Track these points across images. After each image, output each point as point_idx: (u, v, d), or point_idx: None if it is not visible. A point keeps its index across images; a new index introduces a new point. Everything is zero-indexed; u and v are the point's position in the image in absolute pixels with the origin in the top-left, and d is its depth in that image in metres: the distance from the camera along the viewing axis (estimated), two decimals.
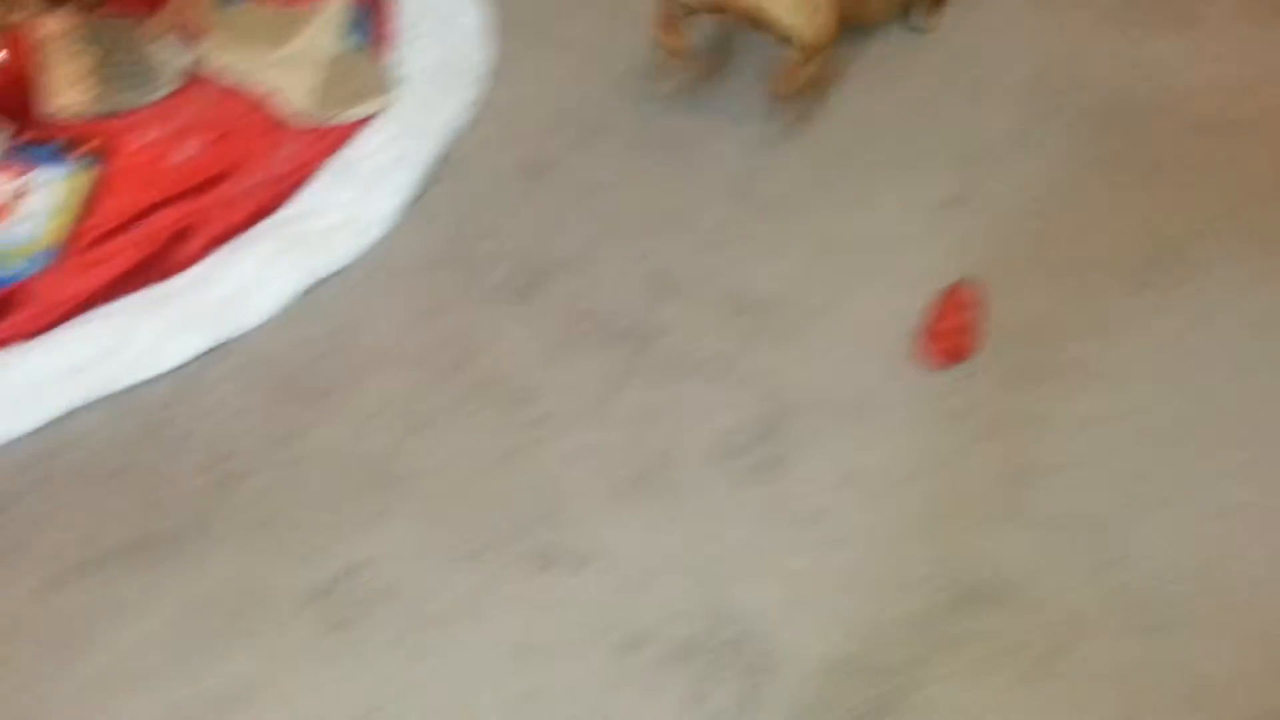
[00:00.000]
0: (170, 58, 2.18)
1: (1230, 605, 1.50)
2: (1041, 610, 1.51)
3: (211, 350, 1.84)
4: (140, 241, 1.96)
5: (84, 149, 2.05)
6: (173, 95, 2.18)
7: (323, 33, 2.21)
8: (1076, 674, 1.45)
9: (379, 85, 2.19)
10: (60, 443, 1.74)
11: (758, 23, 1.94)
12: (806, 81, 1.98)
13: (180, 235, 1.98)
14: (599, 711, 1.47)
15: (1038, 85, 2.12)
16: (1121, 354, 1.75)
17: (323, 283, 1.92)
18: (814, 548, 1.59)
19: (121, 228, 1.98)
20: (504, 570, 1.59)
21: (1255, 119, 2.03)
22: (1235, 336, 1.75)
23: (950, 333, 1.73)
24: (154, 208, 2.01)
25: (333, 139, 2.12)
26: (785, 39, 1.92)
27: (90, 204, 2.01)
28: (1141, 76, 2.11)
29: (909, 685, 1.45)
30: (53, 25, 2.18)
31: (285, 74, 2.18)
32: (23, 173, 2.01)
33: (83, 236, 1.97)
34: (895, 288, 1.83)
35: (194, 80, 2.21)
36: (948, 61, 2.17)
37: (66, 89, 2.13)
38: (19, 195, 1.99)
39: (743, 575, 1.56)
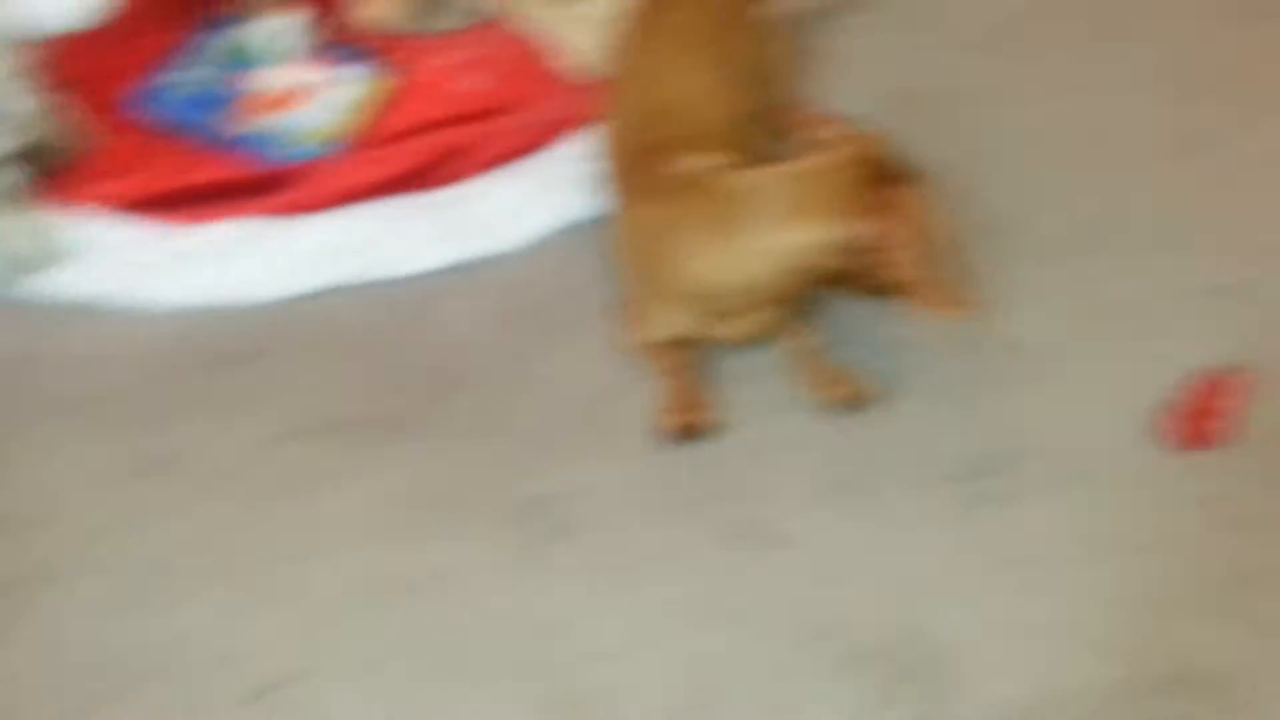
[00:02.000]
0: None
1: None
2: (1243, 715, 1.42)
3: (464, 264, 1.91)
4: (418, 150, 2.05)
5: (385, 59, 2.17)
6: (471, 29, 2.28)
7: None
8: None
9: None
10: (311, 314, 1.83)
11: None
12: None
13: (454, 152, 2.06)
14: (767, 693, 1.45)
15: None
16: None
17: (580, 228, 1.96)
18: (1017, 592, 1.54)
19: (404, 134, 2.08)
20: (705, 533, 1.59)
21: None
22: None
23: (1199, 416, 1.66)
24: (436, 124, 2.10)
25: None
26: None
27: (380, 108, 2.12)
28: None
29: None
30: None
31: (575, 29, 2.25)
32: (329, 66, 2.14)
33: (368, 134, 2.08)
34: (1152, 362, 1.76)
35: (492, 21, 2.31)
36: (1249, 152, 2.10)
37: (380, 3, 2.25)
38: (321, 86, 2.11)
39: (940, 598, 1.53)
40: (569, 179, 2.01)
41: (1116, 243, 1.95)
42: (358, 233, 1.94)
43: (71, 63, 2.08)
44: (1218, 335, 1.81)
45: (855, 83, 2.20)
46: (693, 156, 1.67)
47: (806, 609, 1.52)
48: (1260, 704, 1.43)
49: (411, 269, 1.91)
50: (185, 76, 2.10)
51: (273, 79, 2.11)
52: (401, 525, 1.59)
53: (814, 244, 1.54)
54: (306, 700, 1.44)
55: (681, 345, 1.73)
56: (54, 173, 1.93)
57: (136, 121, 2.05)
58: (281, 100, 2.09)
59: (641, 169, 1.70)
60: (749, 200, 1.58)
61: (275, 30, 2.09)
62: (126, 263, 1.89)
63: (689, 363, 1.74)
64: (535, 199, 1.99)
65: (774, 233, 1.55)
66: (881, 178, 1.54)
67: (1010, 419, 1.71)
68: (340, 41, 2.18)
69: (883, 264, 1.52)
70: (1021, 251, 1.91)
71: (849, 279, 1.57)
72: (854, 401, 1.71)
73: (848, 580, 1.55)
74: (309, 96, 2.09)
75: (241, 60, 2.12)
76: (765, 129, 1.84)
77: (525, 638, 1.49)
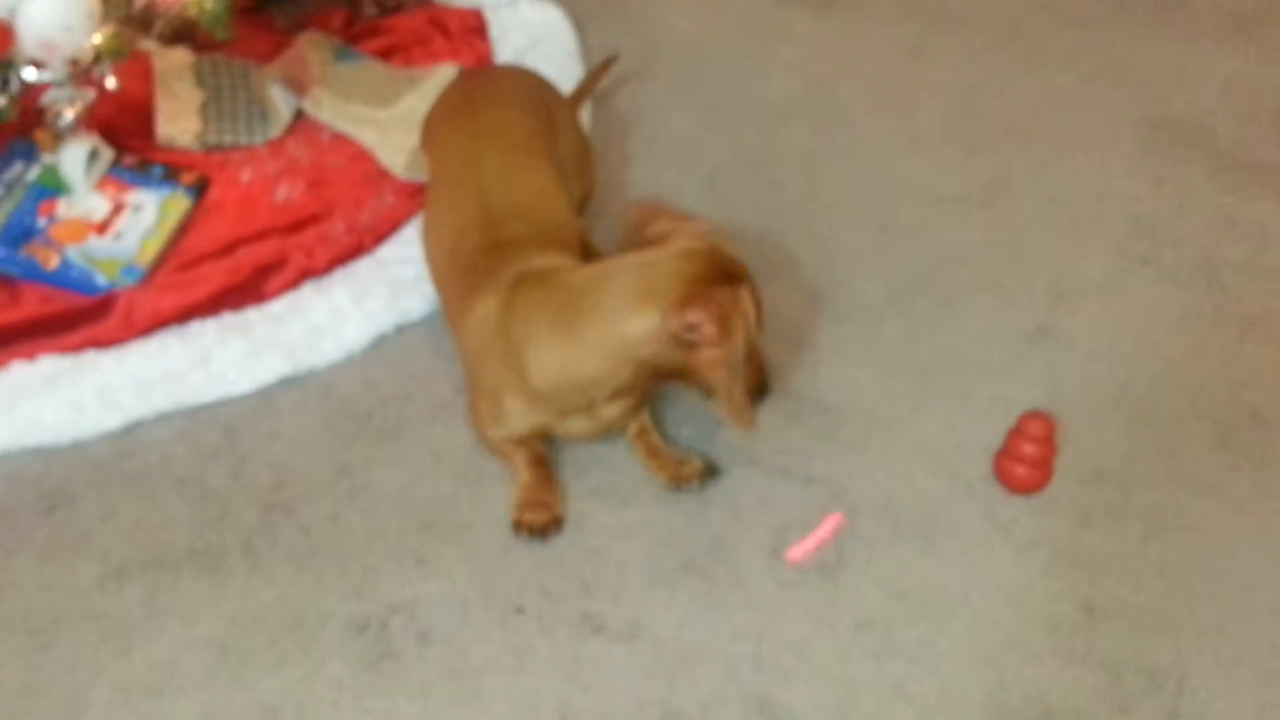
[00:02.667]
0: (280, 103, 2.25)
1: None
2: None
3: (286, 380, 1.86)
4: (229, 269, 2.00)
5: (186, 178, 2.12)
6: (279, 139, 2.25)
7: (427, 98, 2.26)
8: None
9: None
10: (130, 448, 1.75)
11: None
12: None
13: (270, 268, 2.01)
14: None
15: (1135, 234, 2.13)
16: (1198, 509, 1.71)
17: (403, 331, 1.94)
18: (864, 656, 1.54)
19: (212, 255, 2.03)
20: (548, 630, 1.56)
21: None
22: None
23: (1025, 461, 1.71)
24: (247, 239, 2.05)
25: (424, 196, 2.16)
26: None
27: (185, 229, 2.06)
28: (1239, 237, 2.12)
29: None
30: (173, 58, 2.27)
31: (385, 133, 2.24)
32: (126, 191, 2.07)
33: (174, 258, 2.02)
34: (974, 410, 1.81)
35: (300, 126, 2.28)
36: (1045, 196, 2.20)
37: (177, 120, 2.20)
38: (119, 211, 2.05)
39: (786, 672, 1.52)
40: (389, 283, 1.99)
41: (932, 295, 2.01)
42: (172, 360, 1.86)
43: None
44: (1036, 378, 1.87)
45: (671, 162, 2.25)
46: (539, 253, 1.68)
47: (660, 694, 1.50)
48: None
49: (229, 392, 1.84)
50: None
51: (77, 206, 2.04)
52: (234, 662, 1.52)
53: (649, 334, 1.54)
54: None
55: (533, 441, 1.71)
56: None
57: None
58: (86, 228, 2.02)
59: (485, 268, 1.69)
60: (591, 293, 1.58)
61: (77, 156, 2.03)
62: None
63: (542, 457, 1.72)
64: (354, 307, 1.95)
65: (613, 324, 1.55)
66: (716, 272, 1.55)
67: (841, 483, 1.73)
68: (145, 162, 2.12)
69: (698, 362, 1.54)
70: (841, 313, 1.96)
71: (681, 373, 1.59)
72: (695, 479, 1.71)
73: (699, 663, 1.53)
74: (113, 222, 2.03)
75: (52, 187, 2.04)
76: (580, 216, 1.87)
77: None
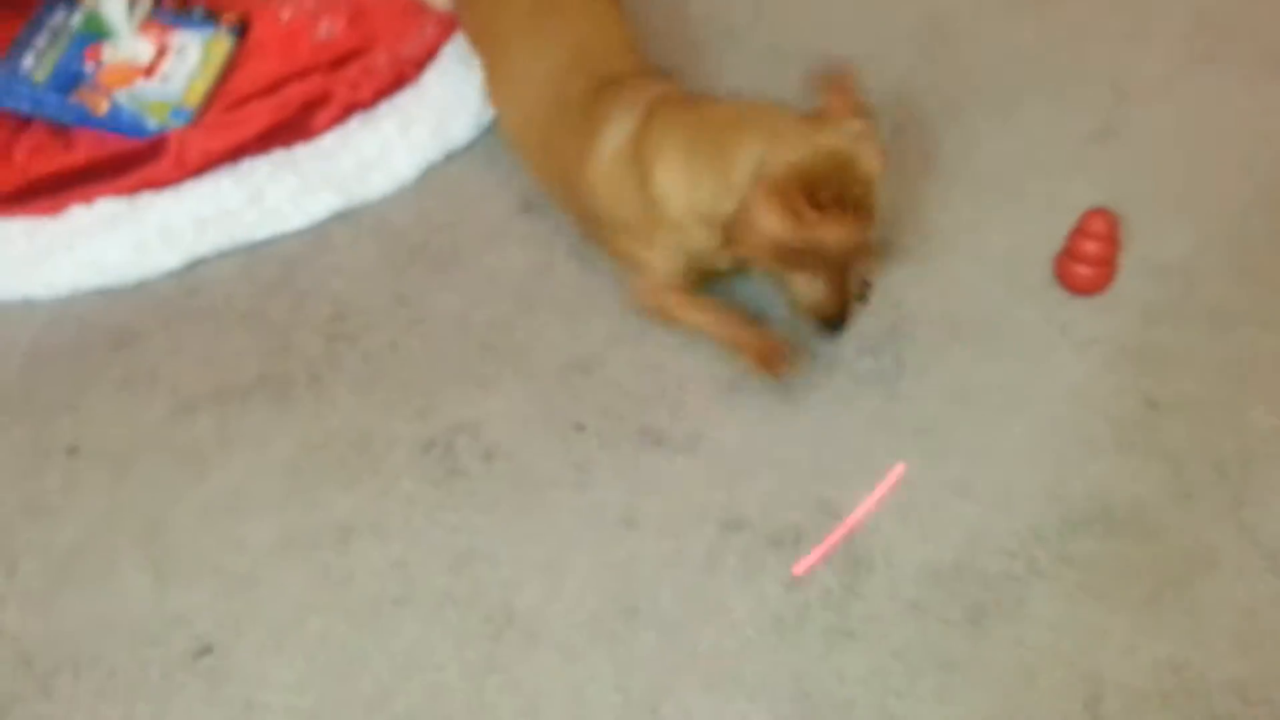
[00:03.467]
0: None
1: None
2: (1161, 542, 1.46)
3: (339, 214, 1.87)
4: (276, 107, 1.99)
5: (228, 18, 2.09)
6: None
7: None
8: (1194, 605, 1.40)
9: None
10: (193, 286, 1.78)
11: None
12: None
13: (314, 104, 2.00)
14: (695, 585, 1.46)
15: (1199, 29, 2.04)
16: (1264, 303, 1.68)
17: (451, 159, 1.93)
18: (925, 458, 1.55)
19: (259, 93, 2.02)
20: (611, 444, 1.59)
21: None
22: None
23: (1087, 260, 1.67)
24: (291, 77, 2.03)
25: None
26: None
27: (229, 69, 2.04)
28: None
29: (1015, 596, 1.42)
30: None
31: None
32: (169, 33, 2.06)
33: (221, 98, 2.01)
34: (1034, 215, 1.77)
35: None
36: None
37: None
38: (164, 53, 2.04)
39: (846, 476, 1.54)
40: (434, 111, 1.97)
41: (989, 101, 1.95)
42: (228, 198, 1.88)
43: None
44: (1098, 179, 1.83)
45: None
46: (660, 84, 1.63)
47: (725, 501, 1.53)
48: (1174, 531, 1.47)
49: (285, 228, 1.86)
50: (37, 59, 2.01)
51: (122, 50, 2.03)
52: (320, 476, 1.57)
53: (742, 185, 1.48)
54: (243, 661, 1.42)
55: (697, 285, 1.66)
56: None
57: None
58: (133, 72, 2.02)
59: (608, 100, 1.62)
60: (726, 130, 1.52)
61: (119, 1, 2.01)
62: None
63: (727, 306, 1.66)
64: (401, 138, 1.94)
65: (728, 166, 1.49)
66: (824, 189, 1.44)
67: (901, 293, 1.71)
68: (186, 4, 2.10)
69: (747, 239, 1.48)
70: (896, 126, 1.91)
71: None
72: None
73: (761, 469, 1.55)
74: (159, 65, 2.02)
75: (96, 32, 2.03)
76: None
77: (450, 570, 1.48)
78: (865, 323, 1.68)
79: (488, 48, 1.85)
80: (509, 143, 1.83)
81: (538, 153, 1.77)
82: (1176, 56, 2.00)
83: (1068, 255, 1.68)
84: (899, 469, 1.50)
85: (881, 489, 1.48)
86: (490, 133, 1.97)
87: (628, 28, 1.79)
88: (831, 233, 1.44)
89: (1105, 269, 1.68)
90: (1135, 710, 1.34)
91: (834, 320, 1.56)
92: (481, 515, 1.53)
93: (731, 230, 1.51)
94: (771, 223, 1.44)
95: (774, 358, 1.61)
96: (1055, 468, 1.53)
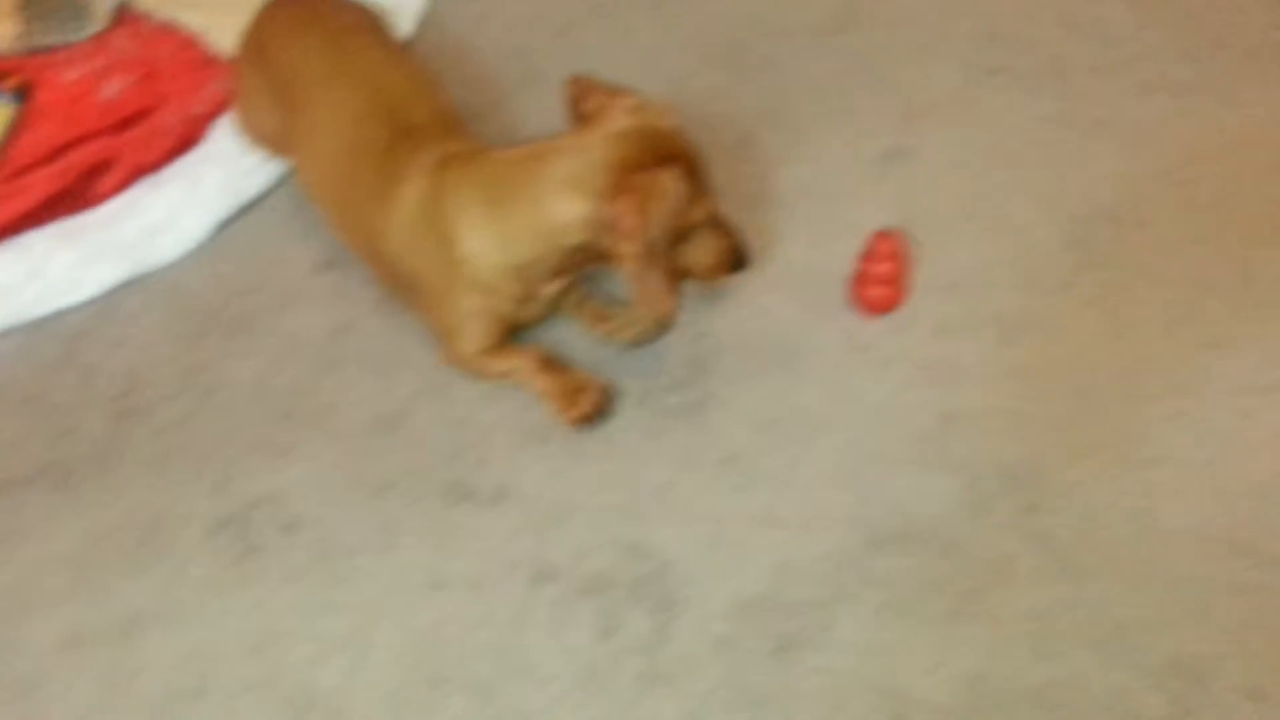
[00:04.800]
0: None
1: (1150, 554, 1.48)
2: (959, 554, 1.49)
3: (127, 283, 1.80)
4: (58, 174, 1.93)
5: (8, 83, 2.02)
6: (101, 33, 2.15)
7: None
8: (992, 615, 1.43)
9: None
10: None
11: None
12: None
13: (99, 168, 1.94)
14: (505, 643, 1.43)
15: (983, 45, 2.10)
16: (1049, 310, 1.73)
17: (245, 218, 1.88)
18: (730, 489, 1.56)
19: (39, 161, 1.95)
20: (415, 504, 1.56)
21: (1196, 81, 2.01)
22: (1163, 295, 1.73)
23: (878, 282, 1.71)
24: (74, 142, 1.98)
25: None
26: None
27: (10, 138, 1.97)
28: (1084, 37, 2.10)
29: (820, 623, 1.43)
30: None
31: (212, 14, 2.15)
32: None
33: (3, 168, 1.93)
34: (829, 238, 1.80)
35: (123, 18, 2.18)
36: (894, 17, 2.15)
37: None
38: None
39: (654, 515, 1.53)
40: (223, 167, 1.92)
41: (785, 128, 1.98)
42: (9, 271, 1.81)
43: None
44: (889, 199, 1.86)
45: (524, 19, 2.17)
46: (454, 137, 1.63)
47: (533, 553, 1.51)
48: (969, 543, 1.50)
49: (68, 301, 1.79)
50: None
51: None
52: (110, 564, 1.50)
53: (579, 221, 1.48)
54: None
55: (510, 345, 1.65)
56: None
57: None
58: None
59: (404, 153, 1.60)
60: (523, 174, 1.52)
61: None
62: None
63: (540, 351, 1.65)
64: (190, 198, 1.89)
65: (544, 208, 1.49)
66: (645, 154, 1.47)
67: (703, 323, 1.72)
68: None
69: (620, 252, 1.47)
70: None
71: (607, 259, 1.52)
72: (647, 334, 1.67)
73: (568, 517, 1.54)
74: None
75: None
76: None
77: (248, 655, 1.43)
78: (671, 356, 1.69)
79: (286, 100, 1.79)
80: (310, 198, 1.79)
81: (339, 210, 1.73)
82: (964, 73, 2.06)
83: (860, 277, 1.71)
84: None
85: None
86: (286, 185, 1.93)
87: (426, 75, 1.77)
88: (681, 184, 1.46)
89: (896, 288, 1.71)
90: None
91: (741, 259, 1.59)
92: (281, 592, 1.48)
93: (612, 251, 1.48)
94: (638, 216, 1.44)
95: (582, 399, 1.61)
96: (857, 489, 1.55)
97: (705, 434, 1.61)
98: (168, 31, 2.16)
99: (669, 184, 1.45)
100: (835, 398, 1.64)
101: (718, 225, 1.56)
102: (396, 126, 1.64)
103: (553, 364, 1.65)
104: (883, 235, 1.70)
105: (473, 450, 1.61)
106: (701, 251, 1.55)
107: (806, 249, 1.81)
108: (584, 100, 1.55)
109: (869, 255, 1.70)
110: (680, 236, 1.51)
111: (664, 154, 1.48)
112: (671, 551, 1.50)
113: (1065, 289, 1.74)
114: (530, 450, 1.61)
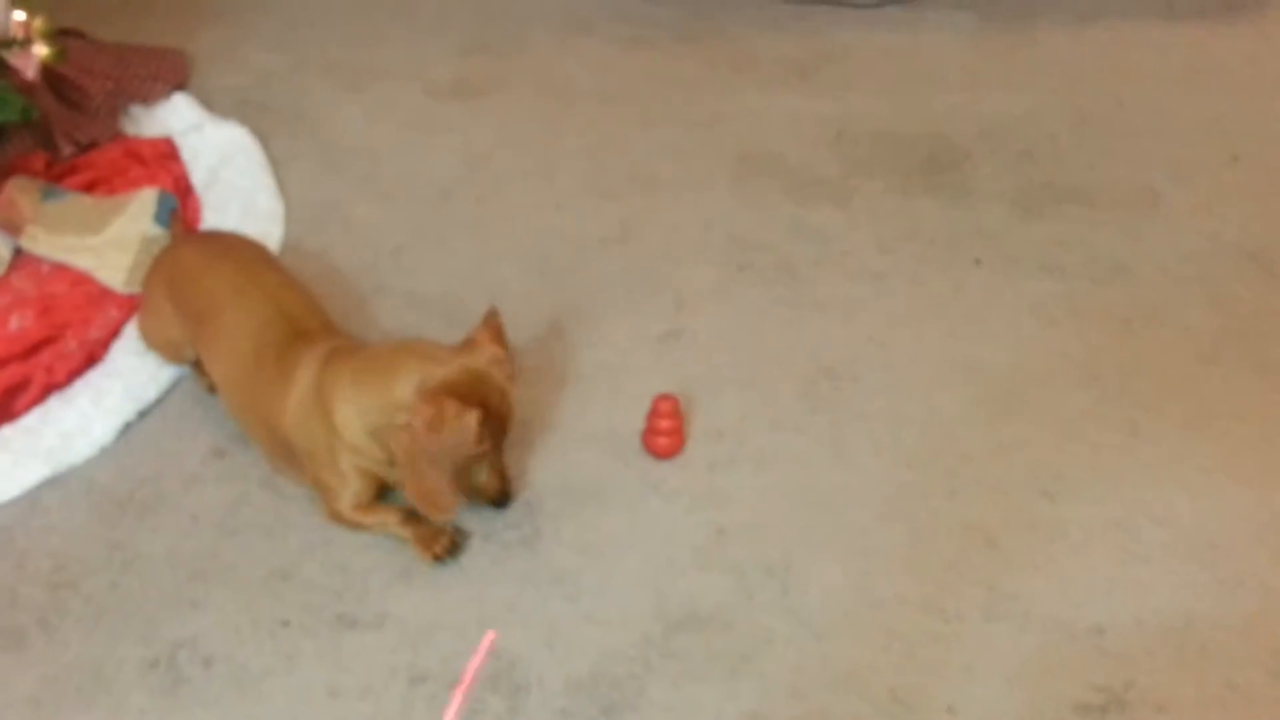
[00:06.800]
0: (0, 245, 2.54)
1: (874, 614, 1.99)
2: (735, 630, 1.97)
3: (50, 480, 2.17)
4: None
5: None
6: (2, 277, 2.53)
7: (134, 220, 2.62)
8: (760, 672, 1.91)
9: None
10: None
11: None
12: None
13: (15, 389, 2.31)
14: None
15: (734, 248, 2.71)
16: (791, 446, 2.28)
17: (145, 419, 2.28)
18: (561, 600, 2.01)
19: None
20: (310, 634, 1.95)
21: (889, 268, 2.66)
22: (869, 429, 2.30)
23: (662, 434, 2.23)
24: None
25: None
26: None
27: None
28: (808, 240, 2.74)
29: (634, 691, 1.88)
30: None
31: (100, 256, 2.56)
32: None
33: None
34: (624, 402, 2.32)
35: (22, 263, 2.57)
36: (663, 229, 2.76)
37: None
38: None
39: (504, 623, 1.97)
40: (123, 380, 2.33)
41: (584, 318, 2.52)
42: None
43: None
44: (668, 370, 2.41)
45: (363, 244, 2.68)
46: (339, 338, 2.12)
47: (409, 662, 1.91)
48: (742, 621, 1.98)
49: (2, 498, 2.14)
50: None
51: None
52: (49, 713, 1.83)
53: (398, 404, 1.93)
54: None
55: (376, 497, 2.09)
56: None
57: None
58: None
59: (301, 349, 2.06)
60: (385, 359, 1.99)
61: None
62: None
63: (395, 508, 2.09)
64: (96, 408, 2.28)
65: (389, 385, 1.95)
66: (467, 390, 1.91)
67: (530, 475, 2.20)
68: None
69: (401, 447, 1.94)
70: (514, 346, 2.43)
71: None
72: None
73: (436, 632, 1.96)
74: None
75: None
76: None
77: None
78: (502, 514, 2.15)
79: (194, 314, 2.23)
80: (218, 390, 2.21)
81: (242, 395, 2.16)
82: (720, 271, 2.66)
83: (648, 431, 2.23)
84: (490, 637, 1.64)
85: (477, 658, 1.59)
86: (179, 389, 2.34)
87: (311, 293, 2.26)
88: (477, 425, 1.91)
89: (676, 438, 2.24)
90: None
91: (503, 496, 2.05)
92: (205, 714, 1.84)
93: (400, 444, 1.93)
94: (428, 429, 1.89)
95: (439, 542, 2.05)
96: (657, 589, 2.03)
97: (538, 559, 2.07)
98: (61, 272, 2.56)
99: (469, 420, 1.88)
100: (636, 523, 2.13)
101: (494, 466, 2.01)
102: (293, 330, 2.12)
103: (414, 516, 2.09)
104: (664, 398, 2.23)
105: (355, 587, 2.03)
106: (480, 478, 2.03)
107: (607, 412, 2.33)
108: (479, 329, 2.04)
109: (654, 413, 2.23)
110: (469, 461, 1.98)
111: (481, 398, 1.92)
112: (518, 649, 1.94)
113: (800, 430, 2.31)
114: (401, 583, 2.03)
